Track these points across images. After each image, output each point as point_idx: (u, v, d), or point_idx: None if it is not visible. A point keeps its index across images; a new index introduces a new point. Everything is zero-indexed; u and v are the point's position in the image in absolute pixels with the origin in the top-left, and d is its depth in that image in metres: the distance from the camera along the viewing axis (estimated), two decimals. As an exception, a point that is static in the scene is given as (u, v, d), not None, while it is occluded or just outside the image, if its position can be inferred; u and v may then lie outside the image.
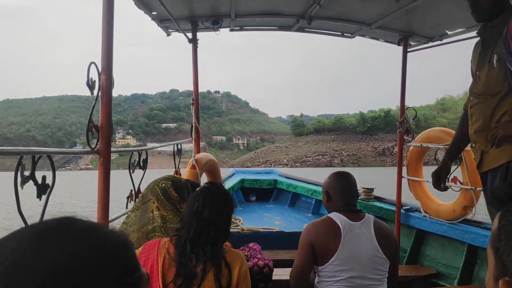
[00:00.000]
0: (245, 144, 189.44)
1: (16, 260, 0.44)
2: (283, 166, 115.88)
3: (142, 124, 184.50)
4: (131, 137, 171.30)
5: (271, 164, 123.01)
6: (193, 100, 4.33)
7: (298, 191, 6.25)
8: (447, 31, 3.99)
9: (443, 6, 3.37)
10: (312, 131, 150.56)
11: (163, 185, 2.30)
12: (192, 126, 4.32)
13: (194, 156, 3.88)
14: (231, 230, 2.00)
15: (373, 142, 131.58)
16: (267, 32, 4.49)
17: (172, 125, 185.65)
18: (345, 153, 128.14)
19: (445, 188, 2.63)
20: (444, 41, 4.15)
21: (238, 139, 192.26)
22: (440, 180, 2.56)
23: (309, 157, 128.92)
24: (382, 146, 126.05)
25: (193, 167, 3.72)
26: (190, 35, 4.29)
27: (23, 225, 1.48)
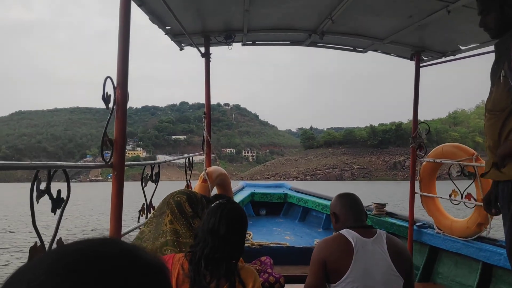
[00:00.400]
0: (255, 157, 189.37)
1: (49, 278, 0.43)
2: (293, 179, 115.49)
3: (152, 136, 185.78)
4: (141, 149, 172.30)
5: (281, 177, 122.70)
6: (205, 114, 4.34)
7: (309, 206, 6.22)
8: (460, 46, 3.97)
9: (456, 21, 3.35)
10: (322, 144, 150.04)
11: (178, 198, 2.29)
12: (203, 139, 4.33)
13: (206, 169, 3.88)
14: None
15: (384, 155, 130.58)
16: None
17: (181, 137, 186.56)
18: (355, 167, 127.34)
19: (497, 213, 2.57)
20: (457, 56, 4.13)
21: (248, 152, 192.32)
22: (491, 205, 2.51)
23: (319, 170, 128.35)
24: (393, 159, 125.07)
25: (204, 180, 3.71)
26: (202, 49, 4.32)
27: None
